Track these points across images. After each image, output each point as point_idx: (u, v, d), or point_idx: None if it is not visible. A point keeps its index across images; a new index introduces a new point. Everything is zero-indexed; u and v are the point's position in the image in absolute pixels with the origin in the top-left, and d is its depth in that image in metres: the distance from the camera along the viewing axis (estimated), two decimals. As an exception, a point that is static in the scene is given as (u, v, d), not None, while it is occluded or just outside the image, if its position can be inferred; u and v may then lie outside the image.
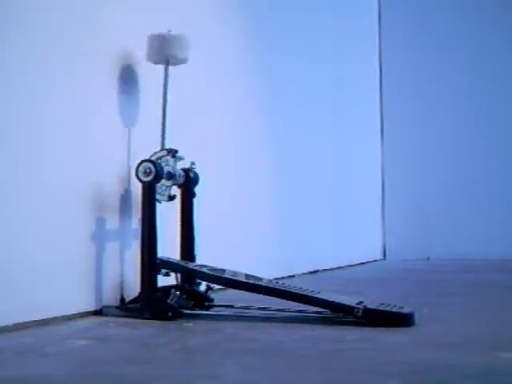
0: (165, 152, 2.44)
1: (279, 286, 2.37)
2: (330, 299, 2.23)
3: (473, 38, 5.41)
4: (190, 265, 2.45)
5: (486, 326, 2.17)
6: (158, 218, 2.35)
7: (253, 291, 2.33)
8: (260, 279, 2.37)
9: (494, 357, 1.68)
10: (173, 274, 2.42)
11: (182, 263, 2.46)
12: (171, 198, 2.45)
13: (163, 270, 2.36)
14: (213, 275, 2.36)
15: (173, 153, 2.45)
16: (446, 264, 4.77)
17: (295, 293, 2.27)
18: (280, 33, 3.89)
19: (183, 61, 2.53)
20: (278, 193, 3.80)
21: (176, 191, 2.51)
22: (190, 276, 2.44)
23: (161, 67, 2.52)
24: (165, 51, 2.49)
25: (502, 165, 5.30)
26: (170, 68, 2.53)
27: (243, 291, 2.35)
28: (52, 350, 1.80)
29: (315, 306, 2.23)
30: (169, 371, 1.56)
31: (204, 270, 2.39)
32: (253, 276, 2.40)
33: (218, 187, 3.02)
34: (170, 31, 2.49)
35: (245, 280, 2.35)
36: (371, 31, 5.60)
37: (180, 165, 2.51)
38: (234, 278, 2.36)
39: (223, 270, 2.40)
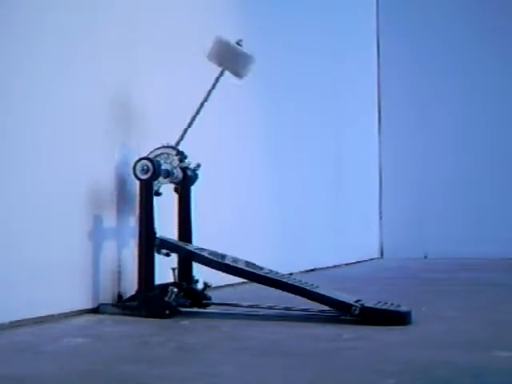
0: (163, 149, 2.43)
1: (279, 277, 2.31)
2: (329, 295, 2.21)
3: (472, 31, 5.38)
4: (191, 247, 2.40)
5: (484, 324, 2.16)
6: (156, 216, 2.35)
7: (252, 280, 2.29)
8: (261, 268, 2.33)
9: (492, 355, 1.68)
10: (170, 273, 2.41)
11: (182, 244, 2.40)
12: (156, 194, 2.41)
13: (163, 251, 2.32)
14: (212, 260, 2.30)
15: (177, 151, 2.42)
16: (443, 263, 4.76)
17: (295, 285, 2.25)
18: (279, 29, 3.89)
19: (239, 78, 2.41)
20: (276, 191, 3.80)
21: (164, 188, 2.48)
22: (189, 258, 2.38)
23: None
24: (228, 63, 2.37)
25: (500, 163, 5.30)
26: None
27: (241, 287, 2.34)
28: (49, 347, 1.80)
29: (314, 300, 2.21)
30: (166, 369, 1.56)
31: (204, 253, 2.33)
32: (253, 264, 2.34)
33: (216, 186, 3.01)
34: (240, 41, 2.38)
35: (245, 268, 2.30)
36: (369, 28, 5.60)
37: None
38: (234, 264, 2.30)
39: (224, 256, 2.35)
